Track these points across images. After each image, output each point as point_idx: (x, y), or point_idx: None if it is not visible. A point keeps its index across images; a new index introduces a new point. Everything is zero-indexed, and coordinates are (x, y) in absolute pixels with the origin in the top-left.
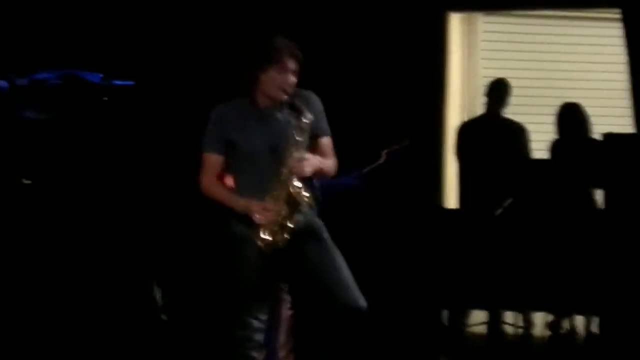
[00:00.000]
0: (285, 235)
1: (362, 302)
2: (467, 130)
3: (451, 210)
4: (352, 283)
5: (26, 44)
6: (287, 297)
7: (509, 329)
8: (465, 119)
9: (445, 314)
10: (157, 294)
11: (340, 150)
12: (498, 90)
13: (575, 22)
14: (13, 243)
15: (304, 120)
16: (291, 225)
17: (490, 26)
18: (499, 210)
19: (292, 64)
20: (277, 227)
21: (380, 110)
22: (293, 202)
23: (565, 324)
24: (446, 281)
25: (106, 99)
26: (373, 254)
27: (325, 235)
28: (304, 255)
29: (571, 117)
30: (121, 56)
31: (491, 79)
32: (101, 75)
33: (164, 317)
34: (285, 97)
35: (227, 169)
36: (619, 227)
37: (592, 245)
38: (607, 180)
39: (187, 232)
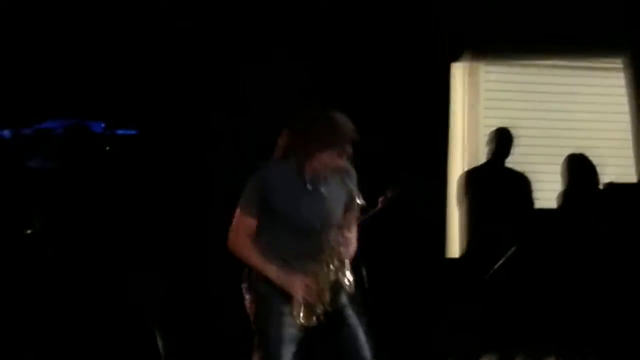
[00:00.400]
0: (321, 318)
1: None
2: (469, 179)
3: (455, 259)
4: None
5: (30, 94)
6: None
7: None
8: (468, 168)
9: None
10: (161, 344)
11: None
12: (500, 140)
13: (577, 72)
14: (17, 293)
15: (357, 202)
16: (330, 309)
17: (492, 75)
18: (503, 259)
19: (350, 149)
20: (316, 309)
21: (384, 159)
22: (336, 286)
23: None
24: (452, 330)
25: (109, 148)
26: (375, 303)
27: (352, 305)
28: (331, 332)
29: (578, 168)
30: (124, 106)
31: (493, 128)
32: (103, 125)
33: None
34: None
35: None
36: (623, 275)
37: (598, 292)
38: (609, 229)
39: (191, 280)
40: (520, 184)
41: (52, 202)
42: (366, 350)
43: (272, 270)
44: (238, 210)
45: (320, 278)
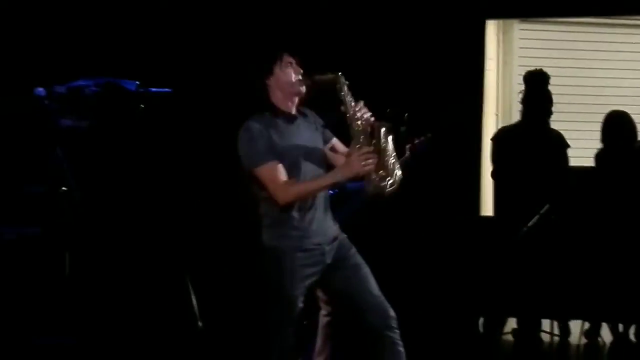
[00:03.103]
0: (395, 180)
1: (391, 312)
2: (503, 137)
3: (488, 217)
4: (379, 298)
5: (64, 52)
6: (323, 306)
7: (545, 337)
8: (501, 125)
9: (481, 321)
10: (194, 301)
11: None
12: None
13: (611, 29)
14: (53, 252)
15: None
16: (396, 172)
17: (526, 33)
18: (536, 218)
19: (289, 57)
20: (382, 171)
21: (417, 116)
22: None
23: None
24: (483, 289)
25: (143, 106)
26: (409, 260)
27: (352, 251)
28: (335, 282)
29: (618, 126)
30: (158, 64)
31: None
32: (137, 83)
33: (200, 324)
34: (302, 88)
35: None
36: None
37: (632, 253)
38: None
39: (224, 238)
40: (555, 142)
41: (85, 161)
42: (375, 287)
43: (328, 178)
44: (260, 168)
45: (369, 147)
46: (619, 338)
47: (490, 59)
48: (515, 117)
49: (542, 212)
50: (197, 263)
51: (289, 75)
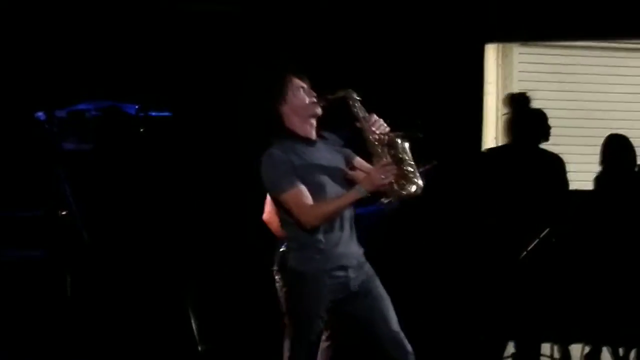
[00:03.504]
0: (419, 182)
1: (409, 348)
2: (486, 157)
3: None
4: (398, 333)
5: (64, 76)
6: (323, 331)
7: None
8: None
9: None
10: (194, 324)
11: None
12: (536, 122)
13: (611, 53)
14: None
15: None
16: (417, 179)
17: (526, 57)
18: (536, 242)
19: (299, 81)
20: (403, 180)
21: (416, 141)
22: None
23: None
24: (484, 313)
25: (143, 130)
26: (413, 285)
27: (377, 282)
28: (357, 311)
29: (618, 149)
30: (158, 88)
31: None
32: (137, 107)
33: (200, 348)
34: (318, 109)
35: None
36: None
37: (632, 276)
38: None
39: (225, 262)
40: (554, 165)
41: (87, 184)
42: (395, 322)
43: (351, 195)
44: (284, 194)
45: (389, 158)
46: None
47: (489, 83)
48: None
49: (542, 235)
50: (198, 286)
51: (303, 99)
